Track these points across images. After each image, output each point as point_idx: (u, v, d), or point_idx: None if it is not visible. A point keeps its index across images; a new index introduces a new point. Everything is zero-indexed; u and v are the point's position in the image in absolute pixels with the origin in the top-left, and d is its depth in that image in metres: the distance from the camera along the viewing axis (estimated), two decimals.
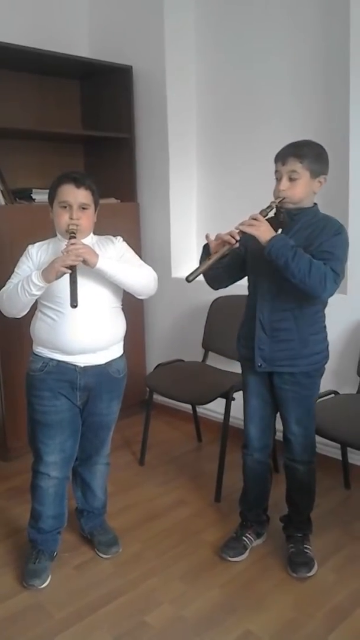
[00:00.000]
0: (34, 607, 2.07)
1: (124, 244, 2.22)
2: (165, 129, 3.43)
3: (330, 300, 2.82)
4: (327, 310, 2.81)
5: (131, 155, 3.55)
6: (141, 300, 2.25)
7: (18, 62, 3.19)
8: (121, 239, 2.22)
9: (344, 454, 2.79)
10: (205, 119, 3.49)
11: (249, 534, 2.36)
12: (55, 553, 2.28)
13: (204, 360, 3.28)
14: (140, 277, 2.14)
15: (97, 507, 2.41)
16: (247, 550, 2.33)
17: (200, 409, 3.38)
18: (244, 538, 2.34)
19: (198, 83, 3.48)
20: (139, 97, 3.51)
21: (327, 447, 2.86)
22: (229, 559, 2.30)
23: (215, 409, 3.07)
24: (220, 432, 2.81)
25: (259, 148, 3.15)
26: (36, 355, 2.17)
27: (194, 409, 3.37)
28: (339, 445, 2.75)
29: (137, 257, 2.22)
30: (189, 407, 3.40)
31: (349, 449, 2.77)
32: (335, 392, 2.74)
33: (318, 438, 2.46)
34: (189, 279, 1.97)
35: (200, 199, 3.61)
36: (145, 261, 2.25)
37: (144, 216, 3.65)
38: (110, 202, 3.49)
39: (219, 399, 2.77)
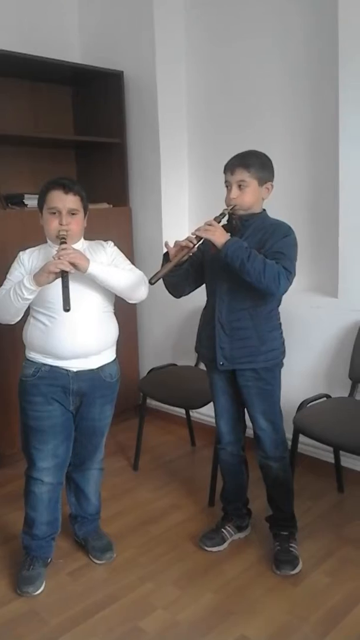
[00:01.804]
0: (29, 614, 2.07)
1: (115, 249, 2.23)
2: (157, 134, 3.43)
3: (322, 303, 2.86)
4: (318, 314, 2.86)
5: (123, 160, 3.55)
6: (134, 304, 2.27)
7: (9, 68, 3.19)
8: (112, 243, 2.24)
9: (337, 458, 2.80)
10: (196, 123, 3.50)
11: (229, 527, 2.44)
12: (49, 559, 2.27)
13: (197, 364, 3.28)
14: (131, 282, 2.15)
15: (91, 512, 2.41)
16: (226, 543, 2.41)
17: (193, 413, 3.38)
18: (223, 530, 2.43)
19: (189, 87, 3.49)
20: (130, 102, 3.52)
21: (320, 451, 2.88)
22: (206, 548, 2.39)
23: (208, 413, 3.06)
24: (213, 436, 2.81)
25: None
26: (29, 360, 2.18)
27: (187, 413, 3.38)
28: (331, 449, 2.76)
29: (127, 261, 2.24)
30: (182, 411, 3.40)
31: (341, 452, 2.78)
32: (327, 396, 2.75)
33: (311, 441, 2.48)
34: (151, 281, 2.06)
35: (192, 202, 3.62)
36: (137, 265, 2.27)
37: (136, 220, 3.65)
38: (102, 206, 3.49)
39: (212, 403, 2.77)
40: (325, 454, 2.88)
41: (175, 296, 2.36)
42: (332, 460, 2.82)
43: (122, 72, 3.46)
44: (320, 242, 2.95)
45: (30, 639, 1.96)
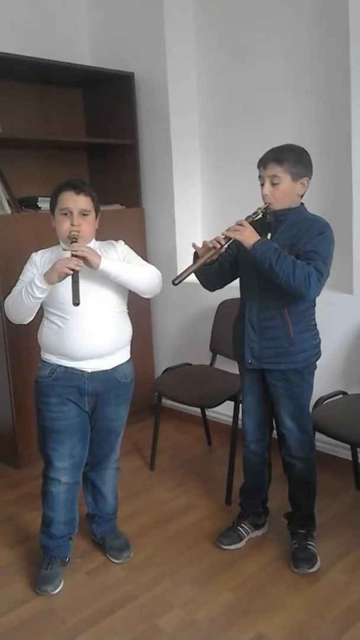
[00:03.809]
0: (47, 613, 2.08)
1: (126, 247, 2.24)
2: (168, 134, 3.44)
3: (337, 300, 2.85)
4: (333, 310, 2.84)
5: (135, 161, 3.57)
6: (148, 304, 2.27)
7: (20, 72, 3.22)
8: (122, 242, 2.25)
9: (354, 455, 2.78)
10: (207, 123, 3.50)
11: (245, 524, 2.43)
12: (67, 559, 2.29)
13: (211, 363, 3.28)
14: (144, 276, 2.15)
15: (108, 512, 2.42)
16: (243, 541, 2.41)
17: (209, 412, 3.38)
18: (239, 528, 2.42)
19: (200, 88, 3.49)
20: (141, 103, 3.53)
21: (337, 448, 2.86)
22: (223, 547, 2.38)
23: (224, 411, 3.07)
24: (229, 435, 2.81)
25: (262, 150, 3.13)
26: (44, 362, 2.19)
27: (203, 412, 3.38)
28: (349, 446, 2.74)
29: (139, 257, 2.24)
30: (198, 410, 3.41)
31: (359, 449, 2.76)
32: (344, 393, 2.73)
33: (328, 439, 2.47)
34: (174, 282, 2.02)
35: (205, 202, 3.63)
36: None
37: (149, 221, 3.66)
38: (115, 208, 3.51)
39: (227, 401, 2.78)
40: (342, 451, 2.86)
41: (208, 289, 2.35)
42: (350, 458, 2.81)
43: (133, 73, 3.48)
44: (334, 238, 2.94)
45: (48, 637, 1.98)
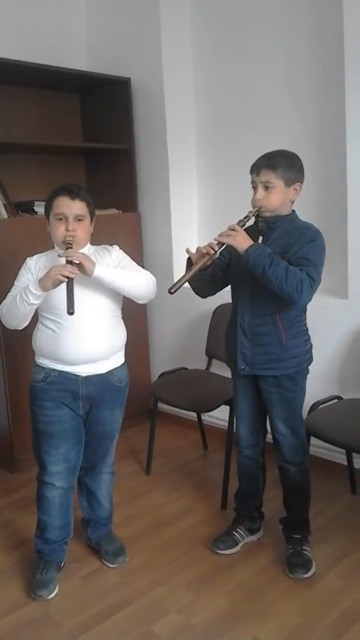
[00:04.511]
0: (42, 617, 2.08)
1: (121, 252, 2.24)
2: (165, 139, 3.45)
3: (332, 304, 2.86)
4: (328, 315, 2.85)
5: (131, 166, 3.58)
6: (144, 309, 2.27)
7: (17, 77, 3.23)
8: (117, 247, 2.25)
9: (350, 460, 2.79)
10: (204, 127, 3.51)
11: (240, 529, 2.43)
12: (62, 563, 2.28)
13: (207, 367, 3.29)
14: (138, 282, 2.15)
15: (103, 516, 2.42)
16: (239, 545, 2.41)
17: (205, 417, 3.39)
18: (234, 533, 2.42)
19: (196, 92, 3.51)
20: (137, 108, 3.54)
21: (332, 453, 2.87)
22: (218, 551, 2.38)
23: (220, 416, 3.08)
24: (225, 439, 2.81)
25: (258, 155, 3.16)
26: (38, 366, 2.20)
27: (199, 416, 3.38)
28: (344, 451, 2.75)
29: (134, 262, 2.24)
30: (194, 415, 3.41)
31: (354, 454, 2.76)
32: (339, 397, 2.74)
33: (323, 444, 2.47)
34: (170, 290, 2.01)
35: (201, 207, 3.63)
36: (147, 270, 2.26)
37: (146, 226, 3.67)
38: (112, 212, 3.51)
39: (223, 406, 2.78)
40: (337, 455, 2.86)
41: (200, 296, 2.35)
42: (345, 462, 2.81)
43: (129, 78, 3.49)
44: (329, 243, 2.93)
45: None
